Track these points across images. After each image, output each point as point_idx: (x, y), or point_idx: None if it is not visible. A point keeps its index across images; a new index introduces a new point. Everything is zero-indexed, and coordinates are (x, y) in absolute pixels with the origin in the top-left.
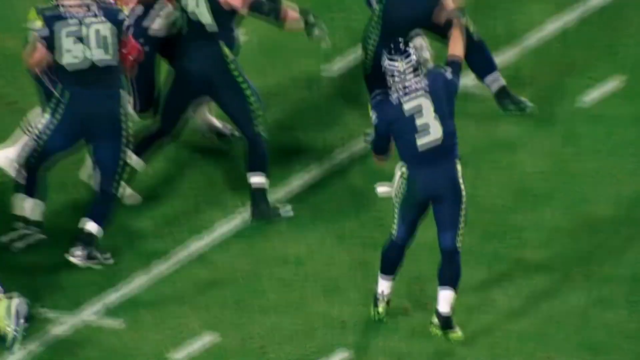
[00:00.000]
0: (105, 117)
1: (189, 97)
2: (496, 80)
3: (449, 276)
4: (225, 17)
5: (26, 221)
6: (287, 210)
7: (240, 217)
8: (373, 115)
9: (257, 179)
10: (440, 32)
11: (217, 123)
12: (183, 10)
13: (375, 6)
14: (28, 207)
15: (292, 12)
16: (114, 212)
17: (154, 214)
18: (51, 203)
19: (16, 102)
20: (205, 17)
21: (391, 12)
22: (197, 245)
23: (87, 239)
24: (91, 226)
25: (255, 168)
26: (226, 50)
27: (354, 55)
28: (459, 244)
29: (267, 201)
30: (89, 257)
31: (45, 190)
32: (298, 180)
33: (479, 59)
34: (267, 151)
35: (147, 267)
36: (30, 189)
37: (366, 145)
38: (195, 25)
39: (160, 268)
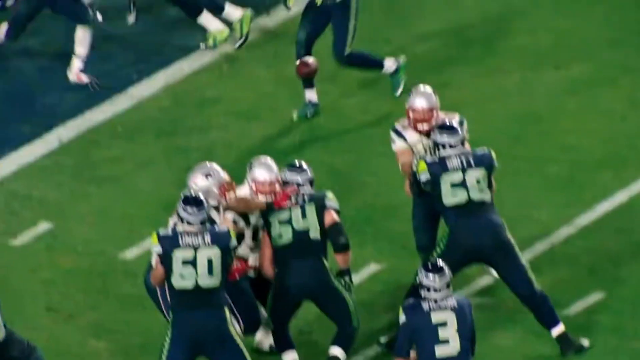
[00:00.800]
0: (215, 336)
1: (293, 307)
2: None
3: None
4: (324, 230)
5: None
6: None
7: None
8: (402, 316)
9: (339, 351)
10: (499, 269)
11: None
12: (288, 222)
13: (446, 228)
14: None
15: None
16: None
17: None
18: None
19: (72, 315)
20: (314, 228)
21: (457, 238)
22: None
23: None
24: None
25: (342, 345)
26: (326, 262)
27: (368, 269)
28: None
29: None
30: None
31: None
32: None
33: (542, 312)
34: (354, 339)
35: None
36: None
37: (379, 350)
38: (300, 237)
39: None
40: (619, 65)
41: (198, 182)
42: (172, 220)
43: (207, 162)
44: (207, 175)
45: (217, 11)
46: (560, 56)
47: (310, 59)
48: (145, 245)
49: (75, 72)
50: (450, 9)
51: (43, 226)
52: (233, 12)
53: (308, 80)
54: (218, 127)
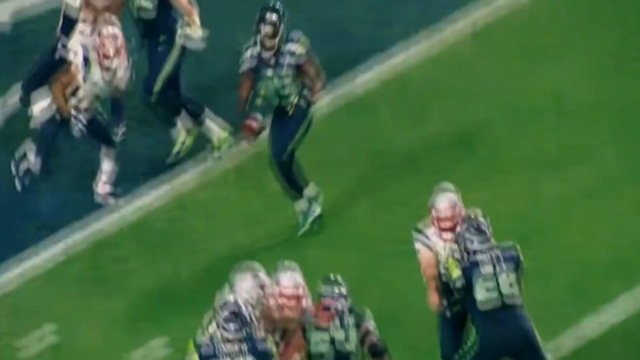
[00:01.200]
0: None
1: None
2: None
3: None
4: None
5: None
6: None
7: None
8: None
9: None
10: None
11: None
12: (331, 342)
13: (474, 331)
14: None
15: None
16: None
17: None
18: None
19: None
20: (356, 349)
21: (487, 343)
22: None
23: None
24: None
25: None
26: None
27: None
28: None
29: None
30: None
31: None
32: None
33: None
34: None
35: None
36: None
37: None
38: (340, 357)
39: None
40: (624, 173)
41: (249, 285)
42: (212, 328)
43: (250, 263)
44: (256, 278)
45: (172, 119)
46: (566, 163)
47: (259, 115)
48: (151, 346)
49: (104, 195)
50: (457, 111)
51: (48, 329)
52: (185, 123)
53: (296, 192)
54: (225, 234)
